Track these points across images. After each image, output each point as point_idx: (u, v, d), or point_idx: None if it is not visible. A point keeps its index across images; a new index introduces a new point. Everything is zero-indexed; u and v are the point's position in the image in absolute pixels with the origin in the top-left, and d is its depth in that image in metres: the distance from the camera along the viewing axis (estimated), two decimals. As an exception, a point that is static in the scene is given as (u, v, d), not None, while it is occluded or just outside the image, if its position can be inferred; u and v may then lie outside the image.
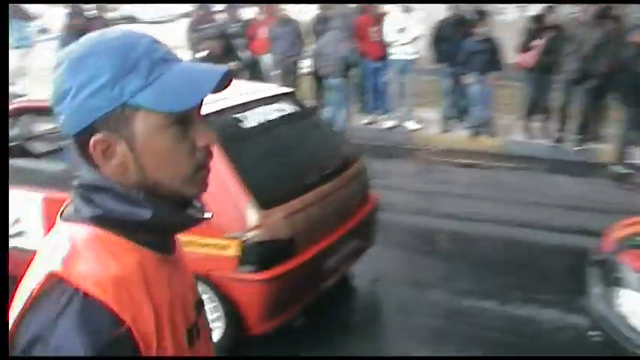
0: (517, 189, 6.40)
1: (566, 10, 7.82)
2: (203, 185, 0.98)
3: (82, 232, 0.93)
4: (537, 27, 7.38)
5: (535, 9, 7.85)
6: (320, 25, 8.33)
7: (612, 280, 3.19)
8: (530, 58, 7.31)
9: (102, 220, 0.94)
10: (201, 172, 0.97)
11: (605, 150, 7.13)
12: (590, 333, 3.23)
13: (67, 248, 0.90)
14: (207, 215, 1.02)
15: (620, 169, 6.62)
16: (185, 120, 0.93)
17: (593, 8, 7.03)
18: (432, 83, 8.43)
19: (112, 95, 0.90)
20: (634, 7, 8.24)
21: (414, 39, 7.87)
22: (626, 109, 6.54)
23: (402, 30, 7.83)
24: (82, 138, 0.94)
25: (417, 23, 7.91)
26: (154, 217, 0.94)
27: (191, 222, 0.99)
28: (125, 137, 0.93)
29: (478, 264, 4.84)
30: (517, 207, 5.88)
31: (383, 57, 8.05)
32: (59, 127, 0.97)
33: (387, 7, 8.17)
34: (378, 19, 8.10)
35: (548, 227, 5.41)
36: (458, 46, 7.44)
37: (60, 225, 0.97)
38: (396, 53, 7.92)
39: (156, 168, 0.94)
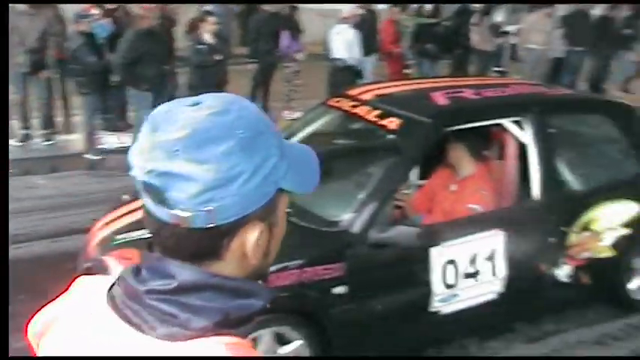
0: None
1: None
2: None
3: (219, 348, 0.78)
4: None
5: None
6: None
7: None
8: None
9: (222, 325, 0.80)
10: None
11: (76, 140, 7.24)
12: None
13: None
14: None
15: (93, 157, 6.87)
16: None
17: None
18: None
19: (275, 179, 0.83)
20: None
21: None
22: (86, 96, 6.77)
23: None
24: (226, 228, 0.80)
25: None
26: (264, 305, 0.85)
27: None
28: (269, 224, 0.85)
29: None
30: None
31: None
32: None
33: None
34: None
35: (38, 236, 5.13)
36: None
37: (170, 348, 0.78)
38: None
39: (274, 253, 0.89)
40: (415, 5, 11.07)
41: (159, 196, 0.79)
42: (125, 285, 0.85)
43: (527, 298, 3.89)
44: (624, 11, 11.28)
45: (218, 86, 6.97)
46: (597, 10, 11.84)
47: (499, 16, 11.26)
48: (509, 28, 11.46)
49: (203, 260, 0.82)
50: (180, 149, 0.77)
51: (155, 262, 0.83)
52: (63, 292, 0.95)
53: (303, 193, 0.88)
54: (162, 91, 7.03)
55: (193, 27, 7.28)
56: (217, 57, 6.74)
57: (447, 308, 3.46)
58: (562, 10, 11.48)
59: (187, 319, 0.80)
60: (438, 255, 3.38)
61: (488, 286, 3.59)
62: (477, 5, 10.92)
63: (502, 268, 3.59)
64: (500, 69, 10.90)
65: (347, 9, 8.37)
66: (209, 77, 6.71)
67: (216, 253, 0.82)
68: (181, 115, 0.80)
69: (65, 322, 0.90)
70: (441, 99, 3.78)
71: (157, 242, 0.83)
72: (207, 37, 6.71)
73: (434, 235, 3.40)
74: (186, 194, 0.77)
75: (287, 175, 0.84)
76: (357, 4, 9.03)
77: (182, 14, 8.20)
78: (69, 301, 0.92)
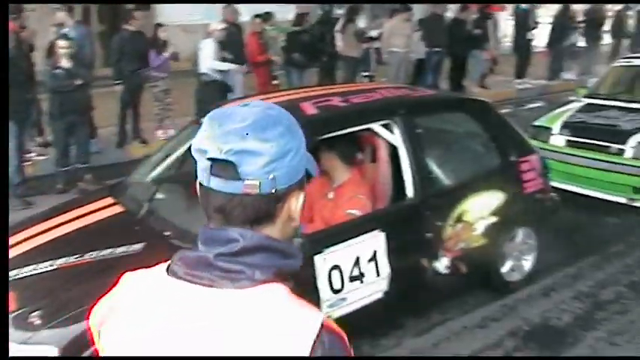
0: None
1: None
2: None
3: (282, 291, 1.03)
4: None
5: None
6: None
7: None
8: None
9: (276, 277, 1.04)
10: None
11: None
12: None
13: (297, 305, 1.02)
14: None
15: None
16: None
17: None
18: None
19: (305, 160, 1.10)
20: None
21: None
22: None
23: None
24: (281, 194, 1.05)
25: None
26: (300, 265, 1.09)
27: None
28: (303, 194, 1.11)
29: None
30: None
31: None
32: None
33: None
34: None
35: None
36: None
37: (243, 294, 1.01)
38: None
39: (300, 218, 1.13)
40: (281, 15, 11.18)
41: (234, 170, 1.01)
42: (187, 257, 1.06)
43: (412, 294, 4.04)
44: (473, 13, 12.06)
45: (82, 111, 6.67)
46: (450, 13, 12.59)
47: (361, 22, 11.62)
48: (373, 33, 11.85)
49: (260, 224, 1.06)
50: (249, 132, 1.02)
51: (214, 232, 1.05)
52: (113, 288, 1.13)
53: (314, 176, 1.14)
54: (26, 120, 6.63)
55: (50, 51, 6.92)
56: (77, 81, 6.43)
57: (336, 313, 3.51)
58: (419, 13, 12.09)
59: (252, 273, 1.02)
60: (322, 262, 3.42)
61: (374, 287, 3.68)
62: (341, 12, 11.22)
63: (385, 268, 3.69)
64: (368, 74, 11.25)
65: (213, 24, 8.33)
66: (69, 103, 6.40)
67: (272, 216, 1.07)
68: (240, 112, 1.05)
69: (128, 301, 1.08)
70: (309, 109, 3.83)
71: (219, 216, 1.05)
72: (64, 62, 6.40)
73: (316, 244, 3.43)
74: (256, 166, 1.02)
75: (309, 159, 1.12)
76: (222, 19, 9.01)
77: (40, 38, 7.76)
78: (124, 289, 1.11)
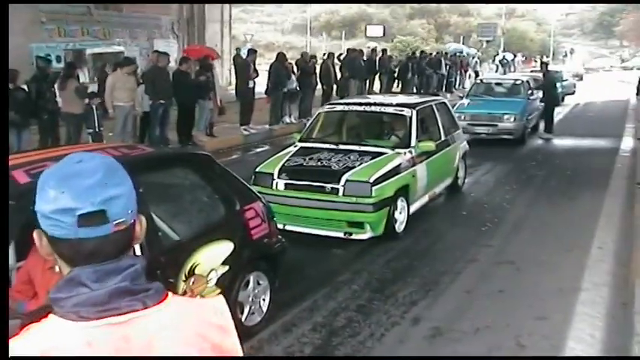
0: None
1: None
2: None
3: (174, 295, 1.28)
4: None
5: None
6: None
7: None
8: None
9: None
10: None
11: None
12: None
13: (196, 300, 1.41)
14: None
15: None
16: None
17: None
18: None
19: None
20: None
21: None
22: None
23: None
24: (134, 222, 1.25)
25: None
26: None
27: None
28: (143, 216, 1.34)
29: None
30: None
31: None
32: None
33: None
34: None
35: None
36: None
37: None
38: None
39: None
40: None
41: (103, 216, 1.15)
42: (91, 298, 1.15)
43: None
44: (194, 64, 12.48)
45: None
46: (172, 64, 12.82)
47: (82, 76, 11.25)
48: (94, 88, 11.52)
49: (127, 251, 1.22)
50: (107, 181, 1.17)
51: (106, 267, 1.17)
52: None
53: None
54: None
55: None
56: None
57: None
58: (142, 66, 12.10)
59: (155, 289, 1.21)
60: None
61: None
62: (61, 68, 10.71)
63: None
64: (91, 131, 10.81)
65: None
66: None
67: (131, 242, 1.23)
68: (84, 168, 1.18)
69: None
70: (22, 177, 3.61)
71: (91, 258, 1.17)
72: None
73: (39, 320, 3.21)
74: (119, 207, 1.18)
75: None
76: None
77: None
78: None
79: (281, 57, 15.17)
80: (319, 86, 17.31)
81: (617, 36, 77.52)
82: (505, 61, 40.02)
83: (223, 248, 4.50)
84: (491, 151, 12.71)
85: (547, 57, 51.23)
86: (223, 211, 4.72)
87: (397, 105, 8.34)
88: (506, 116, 13.69)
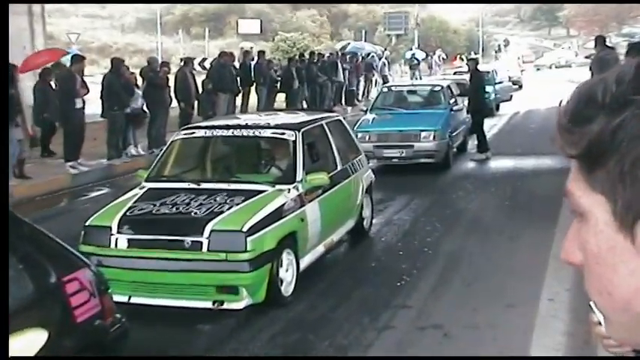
0: None
1: None
2: None
3: None
4: None
5: None
6: None
7: None
8: None
9: None
10: None
11: None
12: None
13: None
14: None
15: None
16: None
17: None
18: None
19: None
20: None
21: None
22: None
23: None
24: None
25: None
26: None
27: None
28: None
29: None
30: None
31: None
32: None
33: None
34: None
35: None
36: None
37: None
38: None
39: None
40: None
41: None
42: None
43: None
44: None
45: None
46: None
47: None
48: None
49: None
50: None
51: None
52: None
53: None
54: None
55: None
56: None
57: None
58: None
59: None
60: None
61: None
62: None
63: None
64: None
65: None
66: None
67: None
68: None
69: None
70: None
71: None
72: None
73: None
74: None
75: None
76: None
77: None
78: None
79: (117, 64, 15.01)
80: (175, 104, 17.25)
81: (563, 23, 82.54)
82: (415, 60, 41.37)
83: (30, 341, 4.32)
84: (407, 181, 13.10)
85: (475, 53, 53.85)
86: (31, 286, 4.54)
87: (277, 126, 8.46)
88: (423, 134, 14.19)
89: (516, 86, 33.70)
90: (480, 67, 18.06)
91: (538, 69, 56.81)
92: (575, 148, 0.84)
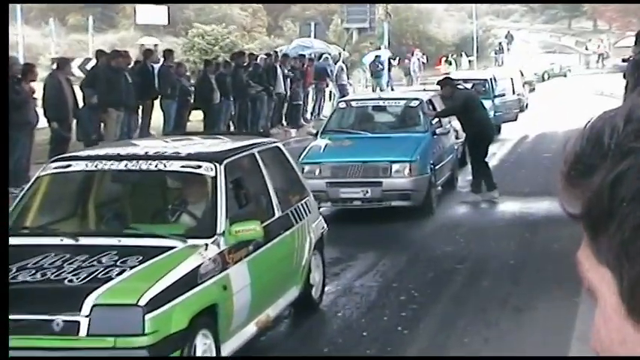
0: None
1: None
2: None
3: None
4: None
5: None
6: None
7: None
8: None
9: None
10: None
11: None
12: None
13: None
14: None
15: None
16: None
17: None
18: None
19: None
20: None
21: None
22: None
23: None
24: None
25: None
26: None
27: None
28: None
29: None
30: None
31: None
32: None
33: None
34: None
35: None
36: None
37: None
38: None
39: None
40: None
41: None
42: None
43: None
44: None
45: None
46: None
47: None
48: None
49: None
50: None
51: None
52: None
53: None
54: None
55: None
56: None
57: None
58: None
59: None
60: None
61: None
62: None
63: None
64: None
65: None
66: None
67: None
68: None
69: None
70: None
71: None
72: None
73: None
74: None
75: None
76: None
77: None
78: None
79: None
80: (44, 123, 17.11)
81: (588, 13, 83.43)
82: (378, 65, 41.73)
83: None
84: (373, 232, 13.16)
85: (468, 55, 54.43)
86: None
87: (190, 157, 8.46)
88: (395, 166, 14.29)
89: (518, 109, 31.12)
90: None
91: (532, 89, 51.64)
92: (577, 205, 0.82)
